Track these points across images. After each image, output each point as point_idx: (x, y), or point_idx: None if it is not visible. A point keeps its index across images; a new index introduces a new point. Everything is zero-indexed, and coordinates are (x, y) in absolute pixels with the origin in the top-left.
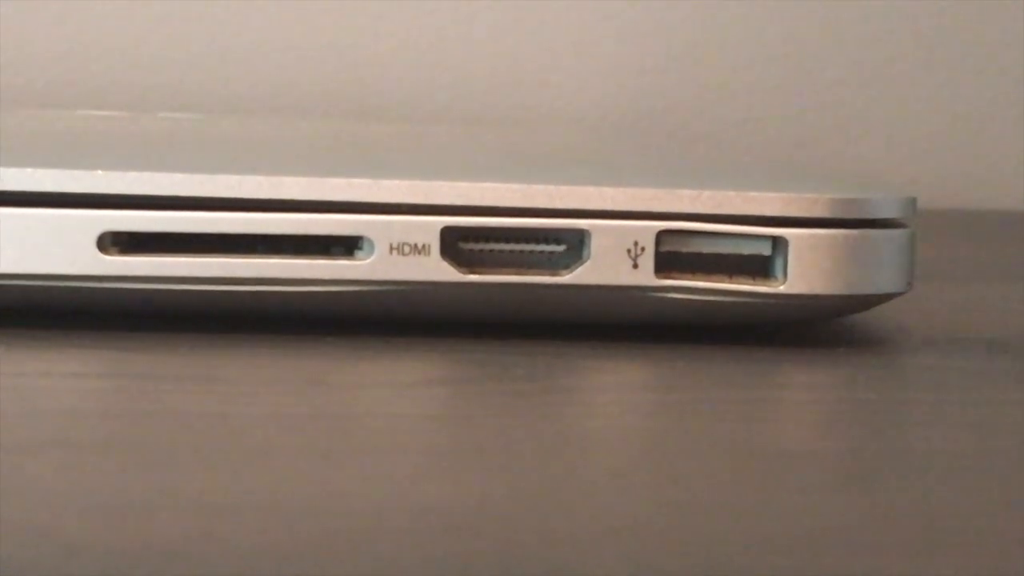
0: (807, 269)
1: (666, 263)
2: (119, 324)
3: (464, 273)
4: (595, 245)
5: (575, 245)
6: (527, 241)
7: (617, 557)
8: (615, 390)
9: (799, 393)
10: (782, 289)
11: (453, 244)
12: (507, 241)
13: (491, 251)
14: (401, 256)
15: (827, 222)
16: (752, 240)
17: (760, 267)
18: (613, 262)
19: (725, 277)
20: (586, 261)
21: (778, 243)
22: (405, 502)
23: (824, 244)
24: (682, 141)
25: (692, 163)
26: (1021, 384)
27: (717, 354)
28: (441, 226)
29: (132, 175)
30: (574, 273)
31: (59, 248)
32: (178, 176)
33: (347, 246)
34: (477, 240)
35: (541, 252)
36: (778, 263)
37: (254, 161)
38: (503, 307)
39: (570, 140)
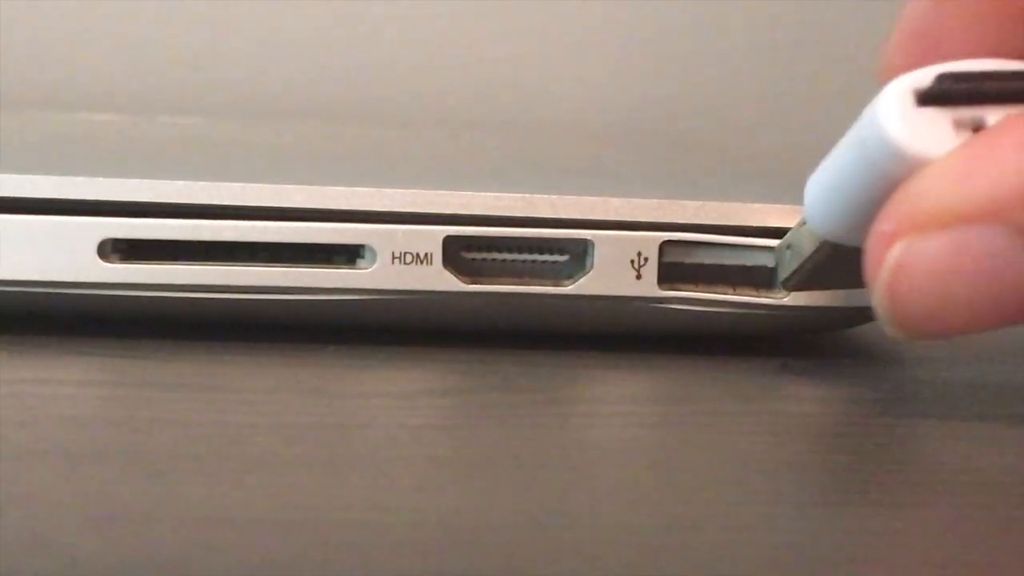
0: None
1: (669, 274)
2: (120, 332)
3: (466, 283)
4: (598, 255)
5: (578, 255)
6: (530, 251)
7: (620, 568)
8: (618, 401)
9: (802, 405)
10: (786, 300)
11: (455, 253)
12: (510, 251)
13: (494, 261)
14: (403, 265)
15: None
16: (756, 251)
17: (764, 278)
18: (616, 272)
19: (729, 288)
20: (589, 271)
21: None
22: (407, 512)
23: None
24: (685, 150)
25: (696, 173)
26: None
27: (720, 365)
28: (443, 235)
29: (133, 182)
30: (577, 283)
31: (60, 255)
32: (180, 183)
33: (349, 255)
34: (480, 250)
35: (544, 262)
36: None
37: (256, 169)
38: (506, 317)
39: (573, 148)
